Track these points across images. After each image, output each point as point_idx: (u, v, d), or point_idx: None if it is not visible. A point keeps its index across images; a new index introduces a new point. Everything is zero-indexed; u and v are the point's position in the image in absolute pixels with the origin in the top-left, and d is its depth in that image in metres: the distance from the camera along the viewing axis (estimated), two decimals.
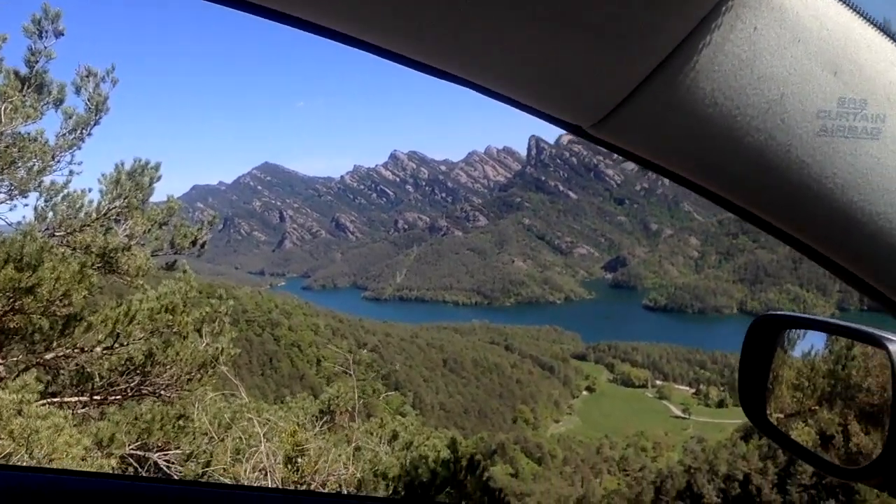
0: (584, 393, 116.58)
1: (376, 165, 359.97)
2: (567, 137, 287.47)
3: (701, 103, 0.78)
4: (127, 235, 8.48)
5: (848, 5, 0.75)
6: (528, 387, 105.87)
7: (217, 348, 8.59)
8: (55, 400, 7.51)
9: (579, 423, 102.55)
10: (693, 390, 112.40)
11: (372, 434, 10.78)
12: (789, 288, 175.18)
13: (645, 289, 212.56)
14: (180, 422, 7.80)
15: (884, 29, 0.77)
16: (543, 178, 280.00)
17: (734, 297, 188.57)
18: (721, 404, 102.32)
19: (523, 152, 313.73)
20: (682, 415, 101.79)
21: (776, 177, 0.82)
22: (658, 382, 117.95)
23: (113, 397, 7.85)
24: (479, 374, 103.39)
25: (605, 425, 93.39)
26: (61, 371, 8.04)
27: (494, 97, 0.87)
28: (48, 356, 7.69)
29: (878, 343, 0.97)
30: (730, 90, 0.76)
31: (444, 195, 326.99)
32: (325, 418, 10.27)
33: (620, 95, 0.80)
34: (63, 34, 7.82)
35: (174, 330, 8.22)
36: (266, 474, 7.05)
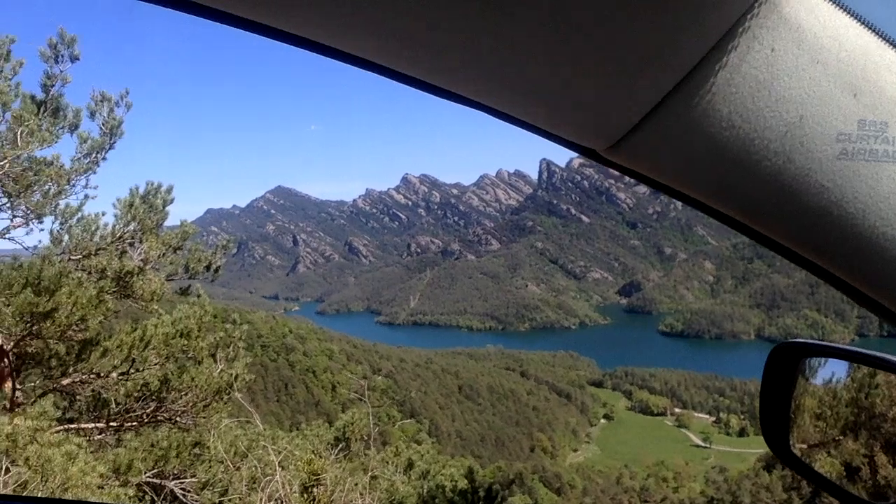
0: (602, 421, 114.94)
1: (388, 189, 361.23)
2: (578, 161, 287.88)
3: (717, 126, 0.77)
4: (142, 259, 8.43)
5: (868, 27, 0.74)
6: (545, 414, 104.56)
7: (232, 374, 8.48)
8: (72, 426, 7.41)
9: (598, 451, 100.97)
10: (713, 418, 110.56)
11: (388, 463, 10.58)
12: (807, 313, 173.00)
13: (660, 314, 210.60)
14: (196, 449, 7.66)
15: None
16: (555, 202, 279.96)
17: (751, 322, 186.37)
18: (742, 433, 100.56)
19: (534, 176, 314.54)
20: (703, 444, 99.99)
21: (795, 201, 0.80)
22: (677, 410, 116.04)
23: (129, 423, 7.74)
24: (495, 400, 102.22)
25: (625, 454, 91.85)
26: (78, 397, 7.96)
27: (509, 121, 0.87)
28: (65, 382, 7.61)
29: None
30: (747, 112, 0.75)
31: (456, 219, 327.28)
32: (340, 446, 10.10)
33: (635, 119, 0.80)
34: (79, 59, 7.90)
35: (189, 355, 8.13)
36: (281, 503, 6.89)
